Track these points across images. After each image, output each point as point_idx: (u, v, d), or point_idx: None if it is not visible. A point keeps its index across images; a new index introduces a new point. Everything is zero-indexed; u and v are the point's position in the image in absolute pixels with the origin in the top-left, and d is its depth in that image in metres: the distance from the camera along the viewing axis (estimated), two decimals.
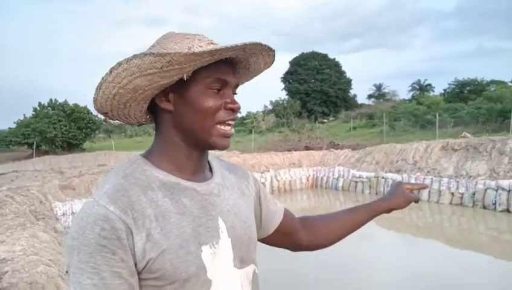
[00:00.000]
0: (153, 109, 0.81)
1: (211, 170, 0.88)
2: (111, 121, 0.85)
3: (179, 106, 0.77)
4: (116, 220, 0.67)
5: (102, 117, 0.84)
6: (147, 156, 0.81)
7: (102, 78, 0.73)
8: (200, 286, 0.74)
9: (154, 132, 0.84)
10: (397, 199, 1.16)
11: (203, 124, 0.77)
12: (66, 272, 0.69)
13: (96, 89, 0.75)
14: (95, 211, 0.68)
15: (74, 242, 0.67)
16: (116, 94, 0.75)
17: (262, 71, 0.88)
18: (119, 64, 0.71)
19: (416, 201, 1.19)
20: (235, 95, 0.82)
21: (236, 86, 0.82)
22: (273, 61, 0.84)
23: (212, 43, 0.76)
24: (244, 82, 0.91)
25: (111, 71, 0.72)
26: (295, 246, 1.09)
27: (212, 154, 0.93)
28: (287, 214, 1.07)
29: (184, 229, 0.74)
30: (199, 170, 0.83)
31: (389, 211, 1.15)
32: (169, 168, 0.79)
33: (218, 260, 0.77)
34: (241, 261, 0.83)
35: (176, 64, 0.70)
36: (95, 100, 0.77)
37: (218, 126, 0.78)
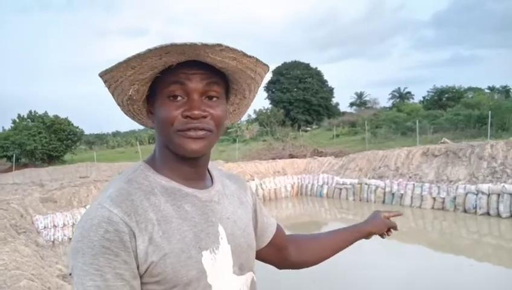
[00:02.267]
0: None
1: (211, 178, 0.90)
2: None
3: (155, 117, 0.80)
4: (119, 222, 0.68)
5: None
6: (150, 162, 0.83)
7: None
8: None
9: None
10: (378, 224, 1.21)
11: (165, 133, 0.77)
12: (70, 274, 0.69)
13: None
14: (99, 214, 0.69)
15: (79, 244, 0.68)
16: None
17: (248, 73, 0.80)
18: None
19: (395, 228, 1.25)
20: (211, 102, 0.78)
21: (209, 90, 0.77)
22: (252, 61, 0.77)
23: (171, 42, 0.70)
24: (244, 88, 0.86)
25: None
26: (283, 261, 1.10)
27: (212, 164, 0.95)
28: (280, 229, 1.08)
29: (185, 234, 0.75)
30: (197, 177, 0.84)
31: (369, 234, 1.20)
32: (170, 174, 0.80)
33: (218, 265, 0.78)
34: (240, 268, 0.84)
35: (110, 80, 0.75)
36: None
37: (179, 133, 0.76)
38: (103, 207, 0.70)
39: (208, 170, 0.92)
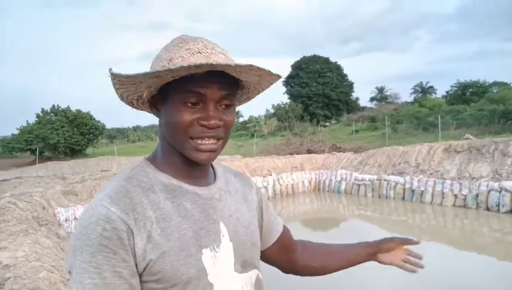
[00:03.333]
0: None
1: (215, 175, 0.89)
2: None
3: (163, 116, 0.79)
4: (117, 220, 0.68)
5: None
6: (151, 159, 0.83)
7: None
8: (201, 289, 0.74)
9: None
10: (389, 247, 1.15)
11: (176, 137, 0.77)
12: (69, 272, 0.69)
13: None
14: (97, 212, 0.69)
15: (77, 242, 0.68)
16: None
17: (261, 86, 0.84)
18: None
19: (416, 256, 1.18)
20: (225, 109, 0.78)
21: (225, 99, 0.77)
22: (269, 75, 0.78)
23: (200, 52, 0.73)
24: (248, 97, 0.90)
25: None
26: (290, 265, 1.08)
27: (217, 161, 0.94)
28: (286, 230, 1.07)
29: (185, 232, 0.74)
30: (200, 175, 0.83)
31: (375, 253, 1.14)
32: (171, 172, 0.80)
33: (219, 263, 0.77)
34: (243, 265, 0.83)
35: (127, 83, 0.73)
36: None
37: (192, 141, 0.75)
38: (101, 205, 0.70)
39: (212, 166, 0.91)
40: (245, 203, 0.92)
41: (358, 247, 1.13)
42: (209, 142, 0.76)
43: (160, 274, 0.70)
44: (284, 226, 1.06)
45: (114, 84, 0.74)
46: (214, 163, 0.92)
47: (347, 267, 1.11)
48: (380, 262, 1.14)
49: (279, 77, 0.78)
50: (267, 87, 0.85)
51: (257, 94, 0.88)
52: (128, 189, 0.74)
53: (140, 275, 0.70)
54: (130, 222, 0.69)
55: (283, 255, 1.05)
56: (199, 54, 0.73)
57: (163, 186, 0.77)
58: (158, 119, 0.83)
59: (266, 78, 0.78)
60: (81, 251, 0.67)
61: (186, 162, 0.80)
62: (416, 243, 1.16)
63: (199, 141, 0.75)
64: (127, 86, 0.74)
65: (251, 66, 0.70)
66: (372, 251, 1.13)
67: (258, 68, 0.72)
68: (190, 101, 0.74)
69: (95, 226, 0.67)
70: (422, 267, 1.16)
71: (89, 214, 0.70)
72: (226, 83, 0.75)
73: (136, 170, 0.79)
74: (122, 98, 0.80)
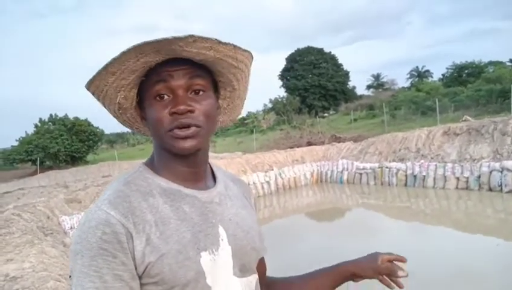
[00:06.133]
0: None
1: (215, 179, 0.90)
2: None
3: (148, 121, 0.80)
4: (116, 224, 0.69)
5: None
6: (149, 164, 0.83)
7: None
8: None
9: None
10: (364, 265, 0.98)
11: (158, 134, 0.77)
12: (70, 277, 0.70)
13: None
14: (97, 216, 0.70)
15: (77, 247, 0.69)
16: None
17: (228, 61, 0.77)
18: None
19: (395, 275, 0.96)
20: (197, 96, 0.76)
21: (194, 84, 0.76)
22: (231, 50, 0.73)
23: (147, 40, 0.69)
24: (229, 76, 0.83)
25: None
26: None
27: (217, 166, 0.95)
28: (264, 263, 1.00)
29: (183, 234, 0.74)
30: (197, 177, 0.83)
31: (352, 276, 0.98)
32: (169, 175, 0.80)
33: (217, 267, 0.77)
34: (241, 270, 0.83)
35: (98, 92, 0.76)
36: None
37: (170, 132, 0.75)
38: (101, 209, 0.71)
39: (213, 171, 0.92)
40: (245, 208, 0.92)
41: (325, 276, 1.00)
42: (186, 130, 0.75)
43: (159, 277, 0.71)
44: (262, 258, 0.98)
45: (94, 97, 0.77)
46: (214, 167, 0.92)
47: None
48: (355, 281, 1.00)
49: (235, 47, 0.73)
50: (242, 70, 0.80)
51: (237, 81, 0.84)
52: (127, 193, 0.74)
53: (140, 278, 0.71)
54: (129, 226, 0.70)
55: None
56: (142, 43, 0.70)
57: (162, 190, 0.78)
58: None
59: (222, 51, 0.73)
60: (82, 255, 0.68)
61: (179, 163, 0.80)
62: (402, 260, 1.00)
63: (175, 130, 0.75)
64: (101, 95, 0.76)
65: (192, 36, 0.68)
66: (343, 279, 1.00)
67: (201, 38, 0.68)
68: (159, 94, 0.75)
69: (94, 230, 0.68)
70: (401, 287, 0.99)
71: (89, 218, 0.71)
72: (191, 68, 0.75)
73: (134, 175, 0.79)
74: (112, 114, 0.83)
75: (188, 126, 0.75)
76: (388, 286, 0.98)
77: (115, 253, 0.68)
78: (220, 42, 0.71)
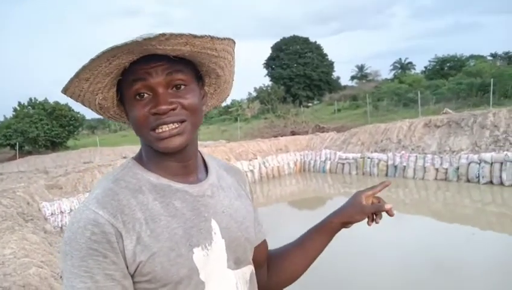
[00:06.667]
0: None
1: (207, 170, 0.88)
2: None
3: (129, 119, 0.79)
4: (105, 224, 0.68)
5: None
6: (138, 159, 0.82)
7: None
8: (193, 288, 0.74)
9: None
10: (350, 211, 0.99)
11: (140, 133, 0.76)
12: (61, 277, 0.69)
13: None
14: (85, 216, 0.68)
15: (67, 247, 0.68)
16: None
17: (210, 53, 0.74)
18: None
19: (384, 210, 0.97)
20: (179, 91, 0.74)
21: (174, 80, 0.73)
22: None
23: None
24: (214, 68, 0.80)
25: None
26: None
27: (210, 155, 0.93)
28: (265, 245, 1.01)
29: (174, 231, 0.73)
30: (187, 171, 0.82)
31: (342, 225, 1.00)
32: (159, 170, 0.79)
33: (211, 261, 0.76)
34: (236, 262, 0.83)
35: (76, 97, 0.74)
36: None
37: (153, 132, 0.73)
38: (89, 209, 0.70)
39: (204, 161, 0.90)
40: (239, 198, 0.90)
41: (316, 235, 1.01)
42: (169, 127, 0.73)
43: (151, 275, 0.70)
44: (264, 241, 1.00)
45: (73, 99, 0.74)
46: (206, 157, 0.90)
47: (313, 261, 1.02)
48: (346, 227, 1.01)
49: (212, 38, 0.69)
50: (224, 57, 0.77)
51: (221, 68, 0.80)
52: (116, 191, 0.73)
53: (132, 276, 0.70)
54: (119, 225, 0.69)
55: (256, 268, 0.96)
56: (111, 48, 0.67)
57: (151, 187, 0.76)
58: None
59: (199, 44, 0.70)
60: (71, 255, 0.67)
61: (168, 159, 0.79)
62: (386, 185, 1.03)
63: (158, 130, 0.73)
64: (80, 98, 0.74)
65: (163, 34, 0.64)
66: (333, 233, 1.01)
67: (174, 35, 0.65)
68: (138, 93, 0.72)
69: (83, 231, 0.67)
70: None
71: (77, 218, 0.69)
72: (169, 63, 0.72)
73: (124, 171, 0.78)
74: (95, 112, 0.80)
75: (172, 123, 0.73)
76: (376, 222, 1.00)
77: (105, 253, 0.67)
78: (195, 36, 0.67)
